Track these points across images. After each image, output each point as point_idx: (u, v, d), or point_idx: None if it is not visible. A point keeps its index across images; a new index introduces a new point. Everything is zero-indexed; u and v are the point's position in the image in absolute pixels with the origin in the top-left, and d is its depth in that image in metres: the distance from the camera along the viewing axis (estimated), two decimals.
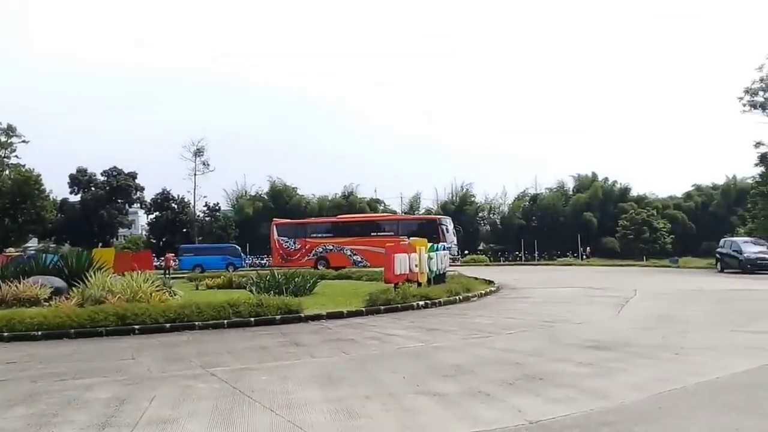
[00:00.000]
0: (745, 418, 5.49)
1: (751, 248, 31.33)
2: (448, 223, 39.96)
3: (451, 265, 35.63)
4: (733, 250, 31.89)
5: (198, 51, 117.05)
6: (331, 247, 40.21)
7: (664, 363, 8.15)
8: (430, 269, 19.17)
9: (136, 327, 11.90)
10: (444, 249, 22.64)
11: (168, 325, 12.16)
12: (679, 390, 6.60)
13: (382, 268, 31.39)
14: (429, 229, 37.12)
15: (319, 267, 37.60)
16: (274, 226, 43.76)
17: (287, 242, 42.21)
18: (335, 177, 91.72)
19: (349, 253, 39.29)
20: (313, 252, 40.69)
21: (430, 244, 20.25)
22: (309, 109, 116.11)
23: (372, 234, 38.67)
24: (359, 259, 38.73)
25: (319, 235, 41.42)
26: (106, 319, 11.86)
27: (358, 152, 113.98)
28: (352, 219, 45.72)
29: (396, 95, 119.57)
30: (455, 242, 39.51)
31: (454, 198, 69.11)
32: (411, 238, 33.15)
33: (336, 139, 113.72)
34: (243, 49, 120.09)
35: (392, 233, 37.09)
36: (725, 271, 31.64)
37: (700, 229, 60.69)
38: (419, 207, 70.61)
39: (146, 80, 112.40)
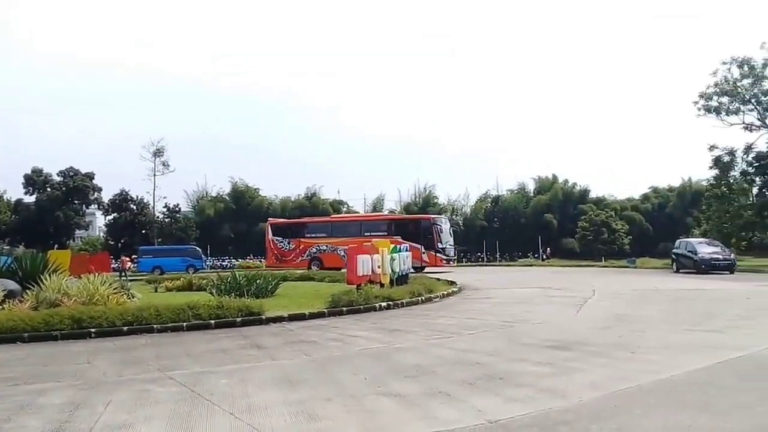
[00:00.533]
0: (699, 415, 5.62)
1: (705, 249, 32.14)
2: (444, 222, 39.43)
3: (446, 266, 35.92)
4: (688, 251, 32.69)
5: (156, 49, 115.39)
6: (325, 248, 39.52)
7: (620, 362, 8.29)
8: (392, 270, 19.19)
9: (93, 330, 11.63)
10: (406, 250, 22.43)
11: (125, 328, 11.93)
12: (634, 388, 6.72)
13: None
14: (423, 230, 37.19)
15: (313, 267, 37.51)
16: (269, 226, 43.50)
17: (281, 242, 41.72)
18: (298, 178, 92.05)
19: (342, 253, 37.62)
20: (307, 252, 40.13)
21: (392, 246, 20.23)
22: (272, 109, 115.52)
23: (366, 234, 37.07)
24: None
25: (313, 235, 40.73)
26: (61, 323, 11.56)
27: (322, 153, 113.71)
28: (345, 219, 46.01)
29: (360, 96, 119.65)
30: (451, 242, 39.11)
31: (417, 199, 69.48)
32: (398, 238, 33.44)
33: (300, 139, 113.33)
34: (203, 48, 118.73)
35: (386, 233, 36.47)
36: (681, 271, 32.41)
37: (657, 230, 62.12)
38: (382, 208, 70.79)
39: (103, 79, 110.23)
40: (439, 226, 37.39)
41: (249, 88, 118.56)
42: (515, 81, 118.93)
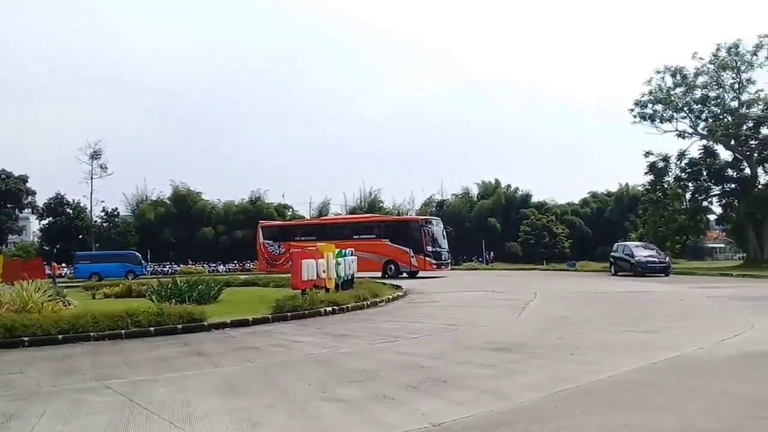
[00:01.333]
0: (635, 414, 5.77)
1: (642, 252, 33.12)
2: (435, 224, 36.74)
3: (437, 271, 34.66)
4: (626, 254, 33.61)
5: (91, 40, 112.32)
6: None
7: (560, 363, 8.46)
8: (338, 275, 19.13)
9: (26, 339, 11.19)
10: (351, 255, 22.29)
11: (61, 336, 11.51)
12: (574, 389, 6.87)
13: (365, 273, 30.23)
14: (411, 232, 35.18)
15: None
16: (260, 229, 42.23)
17: (272, 246, 40.21)
18: (243, 181, 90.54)
19: None
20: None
21: (337, 250, 20.13)
22: (213, 109, 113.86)
23: (355, 237, 36.00)
24: None
25: (304, 238, 38.09)
26: None
27: (266, 156, 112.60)
28: (334, 221, 44.67)
29: (306, 95, 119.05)
30: (444, 246, 36.48)
31: (362, 203, 69.55)
32: (387, 241, 34.92)
33: (244, 142, 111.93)
34: (140, 39, 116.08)
35: (375, 236, 36.01)
36: (619, 274, 33.28)
37: (596, 234, 63.82)
38: (328, 212, 70.65)
39: (33, 73, 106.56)
40: (428, 228, 35.10)
41: (189, 87, 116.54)
42: (462, 84, 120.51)
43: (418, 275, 34.06)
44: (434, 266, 34.43)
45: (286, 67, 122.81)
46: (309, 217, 64.73)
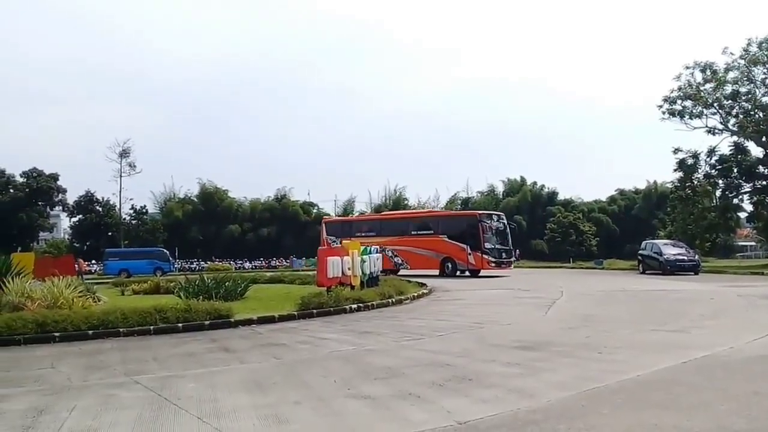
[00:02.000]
0: (664, 414, 5.70)
1: (670, 250, 32.68)
2: (494, 219, 34.12)
3: (496, 270, 32.25)
4: (654, 252, 33.20)
5: (119, 44, 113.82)
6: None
7: (587, 362, 8.39)
8: (363, 272, 19.16)
9: (57, 334, 11.39)
10: (377, 252, 22.26)
11: (91, 332, 11.68)
12: (601, 388, 6.80)
13: (423, 271, 32.59)
14: (468, 227, 33.13)
15: None
16: (324, 224, 41.01)
17: (335, 243, 37.59)
18: (268, 179, 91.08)
19: (390, 254, 34.40)
20: None
21: (363, 247, 20.17)
22: (239, 109, 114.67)
23: (413, 233, 35.07)
24: (400, 261, 35.15)
25: (363, 234, 36.38)
26: (24, 327, 11.28)
27: (292, 154, 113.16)
28: (393, 216, 43.30)
29: (331, 94, 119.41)
30: (505, 243, 33.58)
31: (387, 201, 69.54)
32: (444, 237, 33.60)
33: (269, 140, 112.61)
34: (167, 44, 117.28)
35: (432, 232, 34.50)
36: (647, 272, 32.89)
37: (624, 232, 63.07)
38: (353, 210, 70.86)
39: (66, 76, 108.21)
40: (486, 224, 32.48)
41: (215, 88, 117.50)
42: (487, 83, 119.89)
43: (481, 274, 32.30)
44: (493, 264, 31.96)
45: (306, 68, 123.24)
46: (334, 215, 65.01)
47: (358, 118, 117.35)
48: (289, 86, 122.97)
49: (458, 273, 32.52)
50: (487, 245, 31.82)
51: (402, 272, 33.65)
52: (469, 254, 32.19)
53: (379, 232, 36.40)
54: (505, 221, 34.65)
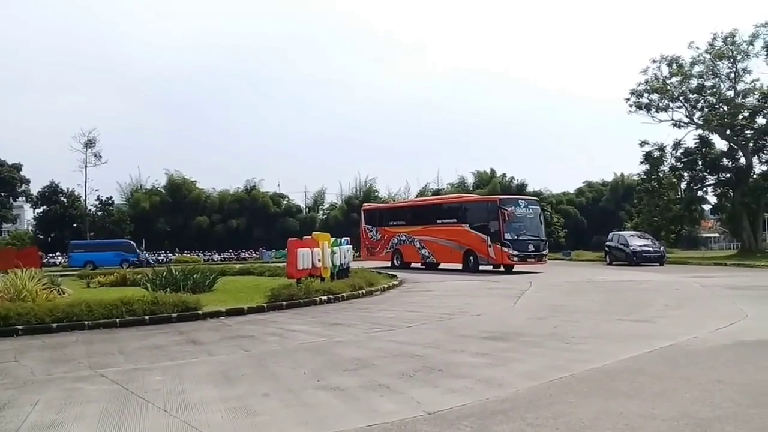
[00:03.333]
0: (629, 402, 5.78)
1: (636, 242, 33.20)
2: (521, 205, 27.83)
3: (521, 265, 26.96)
4: (621, 244, 33.68)
5: (85, 30, 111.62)
6: (404, 238, 32.21)
7: (555, 351, 8.49)
8: (333, 264, 19.11)
9: (20, 327, 11.17)
10: (347, 244, 22.14)
11: (55, 325, 11.49)
12: (568, 377, 6.88)
13: (448, 265, 29.53)
14: (487, 215, 27.52)
15: (395, 262, 32.31)
16: (363, 212, 37.11)
17: (371, 231, 35.09)
18: (238, 170, 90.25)
19: (418, 245, 31.28)
20: (390, 244, 33.18)
21: (333, 239, 20.08)
22: (209, 98, 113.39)
23: (437, 221, 30.44)
24: (427, 254, 30.94)
25: (395, 222, 33.42)
26: None
27: (262, 145, 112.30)
28: (421, 203, 38.87)
29: (301, 85, 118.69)
30: (534, 233, 27.63)
31: (358, 193, 69.38)
32: (466, 226, 28.23)
33: (240, 130, 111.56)
34: (135, 28, 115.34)
35: (455, 220, 29.48)
36: (614, 263, 33.36)
37: (591, 223, 63.90)
38: (323, 202, 70.67)
39: (29, 63, 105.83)
40: (507, 210, 26.55)
41: (184, 77, 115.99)
42: (458, 75, 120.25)
43: (515, 270, 27.03)
44: (515, 258, 26.46)
45: (279, 57, 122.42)
46: (304, 206, 64.87)
47: (330, 108, 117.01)
48: (261, 76, 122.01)
49: (481, 267, 27.50)
50: (508, 236, 26.23)
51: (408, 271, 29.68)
52: (490, 246, 26.75)
53: (409, 220, 32.76)
54: (537, 207, 28.53)
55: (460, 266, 28.52)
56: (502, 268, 27.32)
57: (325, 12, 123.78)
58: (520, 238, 26.65)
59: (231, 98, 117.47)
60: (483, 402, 5.90)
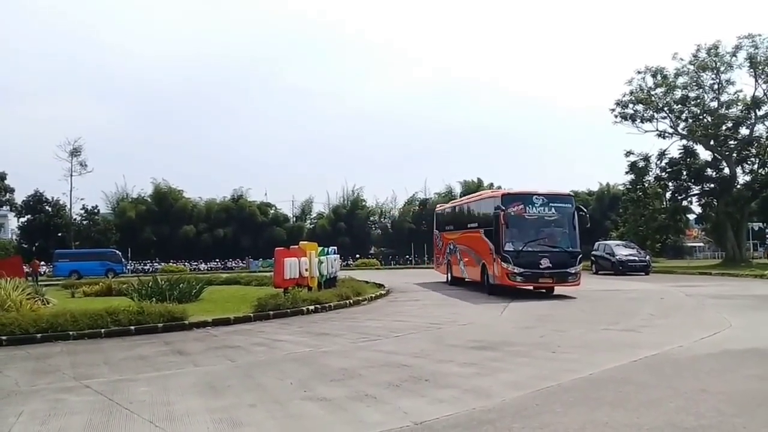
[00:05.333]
0: (615, 412, 5.81)
1: (622, 251, 33.40)
2: (538, 204, 19.38)
3: (542, 284, 19.31)
4: (607, 253, 33.87)
5: (71, 39, 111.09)
6: (452, 246, 25.80)
7: (542, 361, 8.52)
8: (320, 273, 19.09)
9: (4, 338, 11.09)
10: (335, 253, 22.03)
11: (39, 335, 11.40)
12: (555, 387, 6.90)
13: (472, 279, 22.80)
14: (492, 217, 19.76)
15: (448, 276, 26.38)
16: (435, 214, 30.86)
17: (437, 238, 29.38)
18: (225, 179, 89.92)
19: (458, 255, 24.73)
20: (445, 252, 27.15)
21: (320, 248, 20.03)
22: (195, 107, 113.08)
23: (468, 226, 23.64)
24: (462, 266, 24.11)
25: (449, 226, 26.92)
26: None
27: (249, 154, 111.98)
28: (457, 202, 29.44)
29: (287, 94, 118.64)
30: (538, 241, 19.27)
31: (345, 202, 69.38)
32: (482, 232, 20.96)
33: (226, 139, 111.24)
34: (121, 37, 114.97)
35: (476, 225, 22.43)
36: (599, 272, 33.51)
37: None
38: (311, 211, 70.57)
39: (10, 70, 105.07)
40: (511, 212, 19.09)
41: (170, 86, 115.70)
42: (443, 84, 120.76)
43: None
44: (517, 278, 18.81)
45: (266, 66, 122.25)
46: (291, 215, 64.61)
47: (317, 118, 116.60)
48: (248, 85, 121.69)
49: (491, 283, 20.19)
50: (509, 246, 18.87)
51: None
52: (494, 259, 19.58)
53: (456, 224, 26.00)
54: (567, 205, 19.87)
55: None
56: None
57: (315, 22, 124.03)
58: (527, 249, 18.74)
59: (219, 107, 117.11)
60: (470, 412, 5.90)
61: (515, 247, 18.80)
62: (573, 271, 19.01)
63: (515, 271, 18.59)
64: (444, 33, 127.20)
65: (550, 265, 18.73)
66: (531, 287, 19.73)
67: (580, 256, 19.53)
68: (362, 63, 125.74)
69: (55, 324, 11.77)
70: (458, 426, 5.47)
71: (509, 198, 19.51)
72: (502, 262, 18.82)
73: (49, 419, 6.01)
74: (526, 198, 19.43)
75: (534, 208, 19.27)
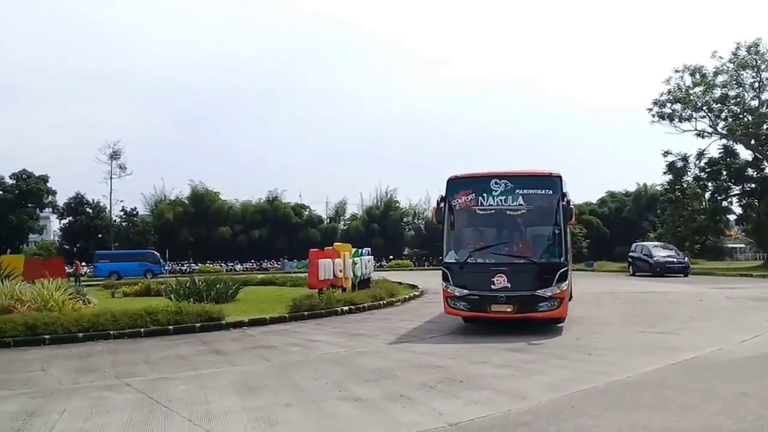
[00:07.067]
0: (653, 415, 5.74)
1: (660, 252, 32.80)
2: (491, 191, 12.18)
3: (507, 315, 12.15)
4: (644, 254, 33.30)
5: (110, 44, 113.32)
6: None
7: (577, 363, 8.44)
8: (354, 274, 19.17)
9: (47, 337, 11.35)
10: (368, 254, 22.06)
11: (81, 334, 11.66)
12: (591, 389, 6.84)
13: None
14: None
15: None
16: None
17: None
18: (260, 181, 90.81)
19: None
20: None
21: (354, 249, 20.12)
22: (231, 111, 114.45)
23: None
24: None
25: None
26: (14, 329, 11.24)
27: (283, 156, 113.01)
28: None
29: (320, 96, 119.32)
30: (490, 247, 12.33)
31: (379, 203, 69.57)
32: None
33: (262, 141, 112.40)
34: (158, 45, 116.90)
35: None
36: (637, 274, 32.98)
37: (614, 233, 63.35)
38: (345, 212, 70.92)
39: (57, 76, 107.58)
40: (452, 206, 12.67)
41: (207, 90, 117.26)
42: (475, 83, 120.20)
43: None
44: (458, 303, 12.25)
45: (294, 69, 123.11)
46: (325, 217, 65.01)
47: (349, 119, 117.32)
48: (282, 88, 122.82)
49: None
50: (450, 257, 12.62)
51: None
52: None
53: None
54: (543, 192, 12.23)
55: None
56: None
57: (342, 24, 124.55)
58: (474, 259, 12.22)
59: (253, 110, 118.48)
60: (505, 414, 5.89)
61: (459, 258, 12.37)
62: (547, 295, 11.33)
63: (456, 293, 12.08)
64: (471, 32, 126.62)
65: (508, 285, 11.46)
66: (482, 317, 12.30)
67: (564, 270, 11.51)
68: (391, 64, 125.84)
69: (97, 323, 12.04)
70: (493, 428, 5.47)
71: (456, 184, 12.68)
72: (443, 281, 12.56)
73: (92, 416, 6.17)
74: (479, 183, 12.47)
75: (492, 198, 12.26)
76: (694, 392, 6.65)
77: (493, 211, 12.28)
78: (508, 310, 11.46)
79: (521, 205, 12.03)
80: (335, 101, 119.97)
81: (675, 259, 32.08)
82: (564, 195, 11.81)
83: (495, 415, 5.86)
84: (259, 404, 6.49)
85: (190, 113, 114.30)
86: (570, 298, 13.10)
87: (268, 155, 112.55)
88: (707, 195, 42.77)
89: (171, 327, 12.52)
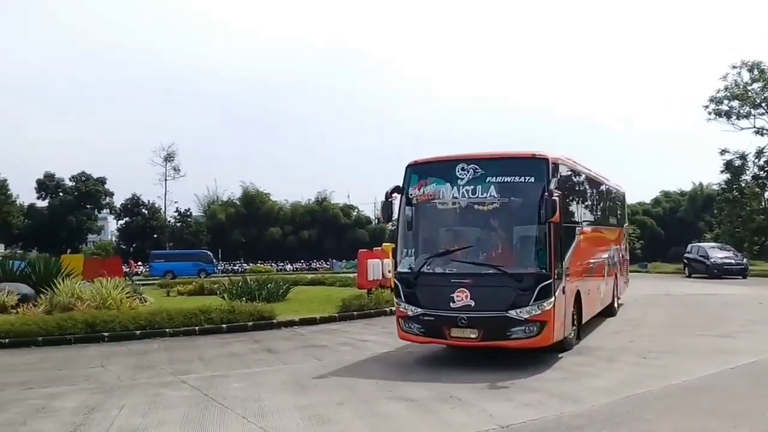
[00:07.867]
0: (709, 419, 5.62)
1: (717, 253, 31.88)
2: (457, 178, 9.06)
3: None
4: (701, 256, 32.42)
5: (163, 50, 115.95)
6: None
7: (631, 366, 8.30)
8: None
9: (106, 334, 11.70)
10: None
11: (138, 332, 11.97)
12: (645, 393, 6.72)
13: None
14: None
15: None
16: None
17: None
18: (309, 182, 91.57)
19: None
20: None
21: None
22: (281, 112, 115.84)
23: None
24: None
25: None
26: (75, 327, 11.63)
27: (332, 156, 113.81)
28: None
29: (366, 98, 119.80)
30: (468, 248, 9.11)
31: None
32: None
33: (310, 142, 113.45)
34: (208, 47, 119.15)
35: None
36: (693, 275, 32.15)
37: (668, 234, 61.71)
38: (393, 213, 70.79)
39: (111, 80, 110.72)
40: (409, 199, 10.06)
41: (257, 92, 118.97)
42: (524, 78, 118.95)
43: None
44: (411, 325, 9.07)
45: (344, 69, 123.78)
46: (374, 218, 65.33)
47: (396, 121, 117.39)
48: (333, 89, 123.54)
49: None
50: (404, 266, 9.71)
51: None
52: None
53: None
54: (523, 179, 8.92)
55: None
56: None
57: (383, 28, 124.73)
58: (430, 269, 9.23)
59: (303, 111, 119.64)
60: (558, 417, 5.84)
61: (413, 267, 9.44)
62: (522, 317, 8.28)
63: (408, 313, 9.15)
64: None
65: (471, 302, 8.53)
66: (440, 344, 9.64)
67: (547, 283, 8.38)
68: (428, 73, 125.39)
69: (153, 321, 12.35)
70: (546, 430, 5.43)
71: (416, 170, 9.92)
72: (395, 297, 10.12)
73: (149, 412, 6.36)
74: (442, 169, 9.57)
75: (456, 188, 9.21)
76: (754, 398, 6.47)
77: (456, 206, 9.36)
78: (473, 336, 8.53)
79: (493, 197, 8.91)
80: (384, 103, 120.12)
81: (733, 261, 31.13)
82: (550, 183, 8.59)
83: (547, 418, 5.81)
84: (310, 402, 6.58)
85: (242, 116, 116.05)
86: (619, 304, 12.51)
87: (318, 156, 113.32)
88: (767, 194, 41.38)
89: (224, 325, 12.75)
